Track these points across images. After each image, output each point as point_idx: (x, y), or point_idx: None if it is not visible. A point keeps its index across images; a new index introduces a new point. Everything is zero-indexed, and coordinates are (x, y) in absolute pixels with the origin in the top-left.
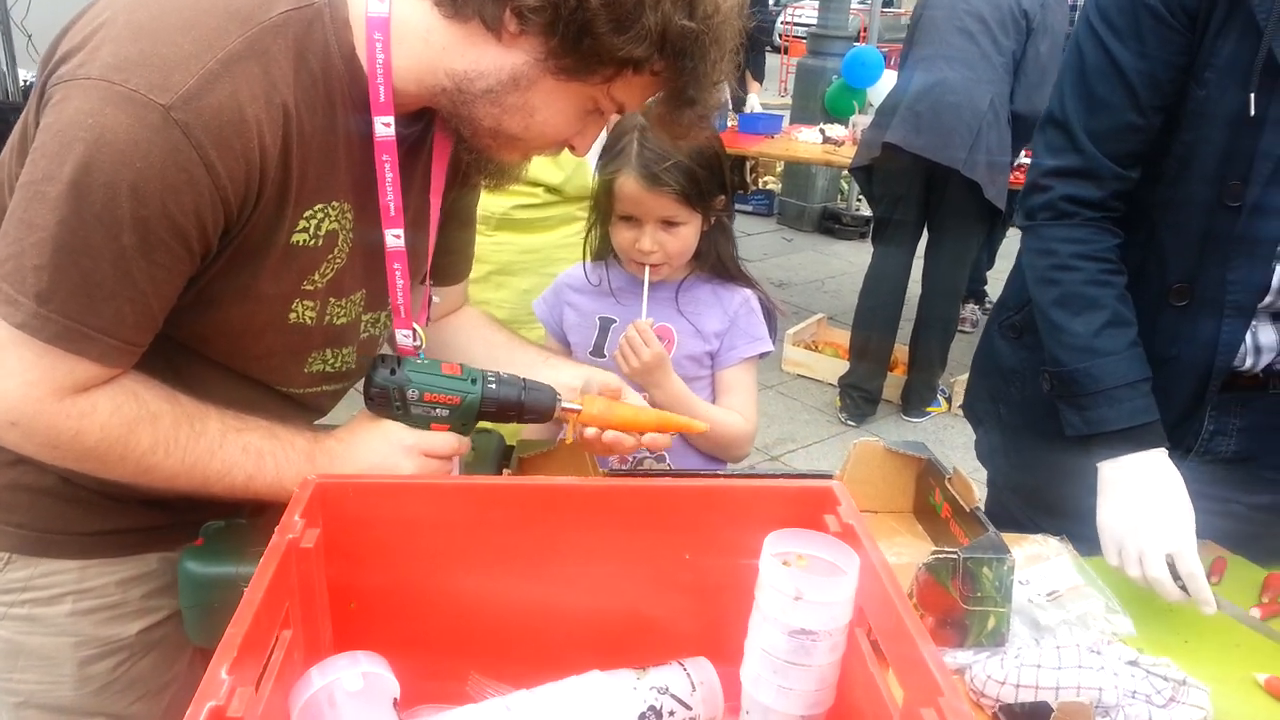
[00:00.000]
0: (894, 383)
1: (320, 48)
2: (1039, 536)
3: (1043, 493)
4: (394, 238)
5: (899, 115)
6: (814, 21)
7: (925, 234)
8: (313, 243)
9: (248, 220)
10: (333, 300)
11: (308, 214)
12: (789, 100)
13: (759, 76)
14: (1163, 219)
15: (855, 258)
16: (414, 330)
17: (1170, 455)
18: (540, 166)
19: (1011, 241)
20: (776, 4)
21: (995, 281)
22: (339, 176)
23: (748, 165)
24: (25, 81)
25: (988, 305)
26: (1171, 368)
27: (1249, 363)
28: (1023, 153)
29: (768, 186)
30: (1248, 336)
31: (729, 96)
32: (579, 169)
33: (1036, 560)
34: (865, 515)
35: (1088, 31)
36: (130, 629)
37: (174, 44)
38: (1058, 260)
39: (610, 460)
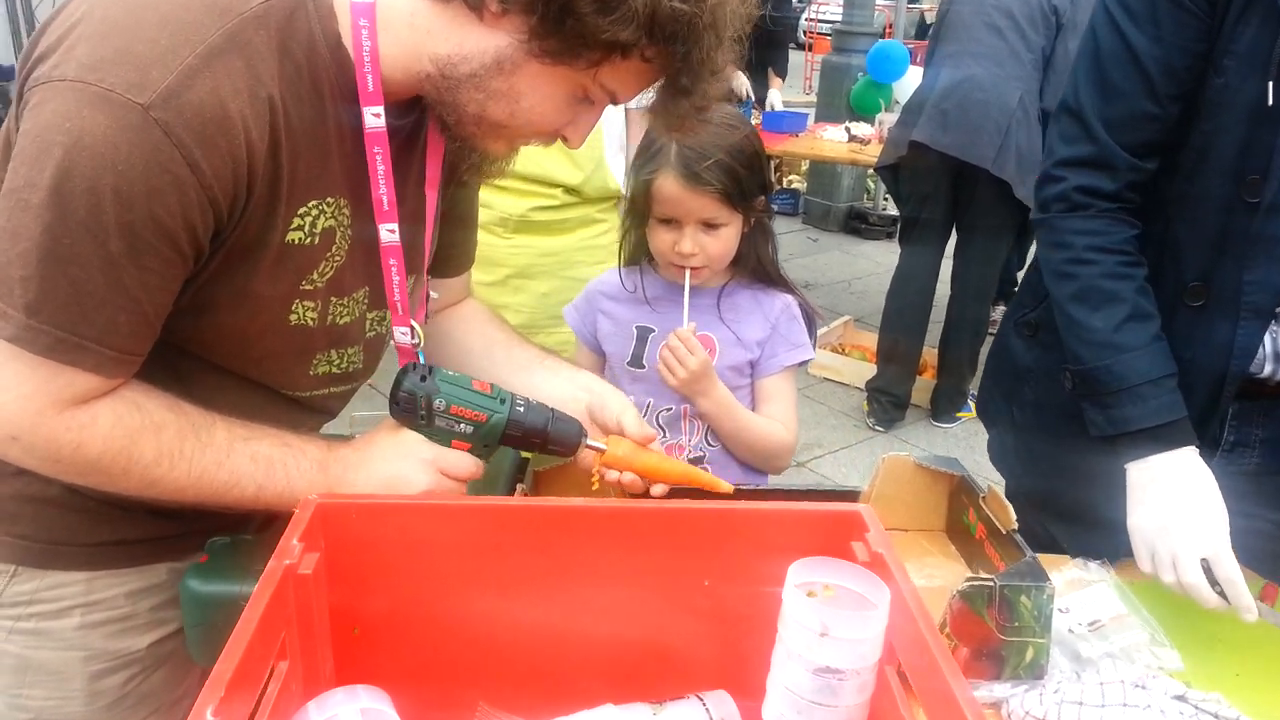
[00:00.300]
0: (923, 387)
1: (304, 37)
2: (1079, 560)
3: (1055, 498)
4: (388, 232)
5: (926, 113)
6: (839, 18)
7: (954, 234)
8: (309, 241)
9: (239, 220)
10: (334, 299)
11: (301, 211)
12: (813, 98)
13: (781, 73)
14: (1179, 214)
15: (882, 258)
16: (412, 328)
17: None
18: (558, 167)
19: None
20: (800, 0)
21: None
22: (332, 171)
23: (771, 164)
24: None
25: None
26: (1185, 371)
27: (1268, 369)
28: None
29: (792, 186)
30: (1267, 341)
31: (749, 93)
32: (598, 169)
33: (1077, 585)
34: (894, 534)
35: (1104, 16)
36: (141, 642)
37: (150, 40)
38: (1074, 254)
39: None
